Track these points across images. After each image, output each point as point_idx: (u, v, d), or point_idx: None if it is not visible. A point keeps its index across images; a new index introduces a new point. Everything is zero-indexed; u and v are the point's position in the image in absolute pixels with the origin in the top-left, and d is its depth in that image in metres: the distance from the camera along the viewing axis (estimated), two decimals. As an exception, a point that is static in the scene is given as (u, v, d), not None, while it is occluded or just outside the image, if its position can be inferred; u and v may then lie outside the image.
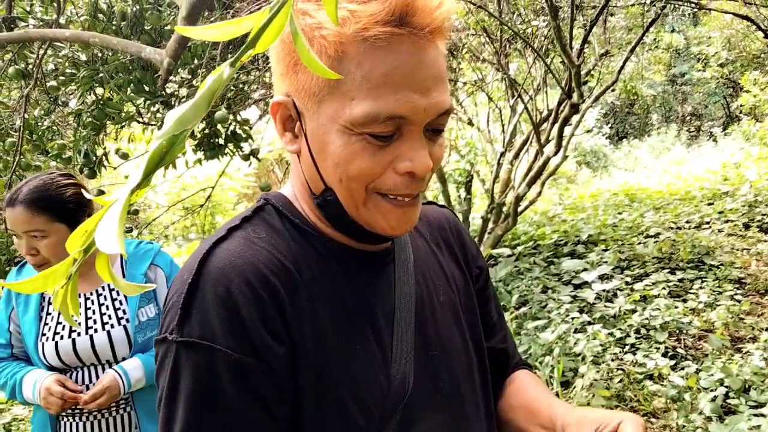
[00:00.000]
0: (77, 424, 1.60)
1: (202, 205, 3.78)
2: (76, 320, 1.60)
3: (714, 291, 4.21)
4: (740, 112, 12.38)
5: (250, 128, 3.31)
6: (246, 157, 3.13)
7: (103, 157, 2.87)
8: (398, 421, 0.70)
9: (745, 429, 2.55)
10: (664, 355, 3.51)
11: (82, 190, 1.62)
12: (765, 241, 5.15)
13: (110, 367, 1.60)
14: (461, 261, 0.90)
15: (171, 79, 1.99)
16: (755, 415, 2.69)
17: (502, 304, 4.70)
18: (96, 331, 1.60)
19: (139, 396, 1.63)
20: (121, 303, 1.64)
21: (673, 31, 13.61)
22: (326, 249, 0.72)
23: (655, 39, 10.53)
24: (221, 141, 2.88)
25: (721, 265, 4.61)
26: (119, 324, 1.62)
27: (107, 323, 1.61)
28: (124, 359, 1.61)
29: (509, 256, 5.63)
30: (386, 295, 0.75)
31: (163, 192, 7.63)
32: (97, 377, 1.60)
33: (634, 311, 4.01)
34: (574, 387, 3.28)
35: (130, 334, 1.61)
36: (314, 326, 0.67)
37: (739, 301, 3.99)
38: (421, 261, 0.82)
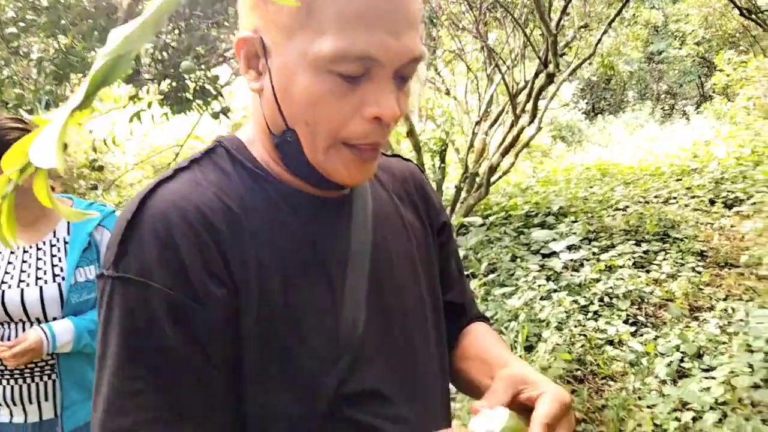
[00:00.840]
0: (11, 387, 1.52)
1: (170, 164, 3.71)
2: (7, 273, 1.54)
3: (676, 263, 4.32)
4: (713, 92, 12.55)
5: (222, 86, 3.24)
6: (215, 116, 3.06)
7: (66, 109, 2.78)
8: (347, 366, 0.69)
9: (695, 390, 2.66)
10: (625, 322, 3.61)
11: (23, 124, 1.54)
12: (728, 216, 5.28)
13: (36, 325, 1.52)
14: (423, 214, 0.89)
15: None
16: (706, 377, 2.80)
17: (471, 271, 4.77)
18: (28, 285, 1.52)
19: (65, 363, 1.55)
20: (59, 260, 1.56)
21: (653, 7, 13.65)
22: (278, 194, 0.71)
23: (634, 15, 10.55)
24: (189, 96, 2.81)
25: (685, 238, 4.74)
26: (53, 281, 1.53)
27: (41, 279, 1.53)
28: (54, 319, 1.53)
29: (481, 225, 5.69)
30: (340, 242, 0.74)
31: (132, 153, 7.48)
32: (17, 335, 1.51)
33: (598, 280, 4.10)
34: (537, 351, 3.36)
35: (63, 292, 1.53)
36: (259, 271, 0.66)
37: (699, 273, 4.11)
38: (381, 211, 0.81)
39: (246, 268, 0.65)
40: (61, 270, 1.55)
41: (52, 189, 1.75)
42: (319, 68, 0.61)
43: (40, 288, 1.52)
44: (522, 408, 0.65)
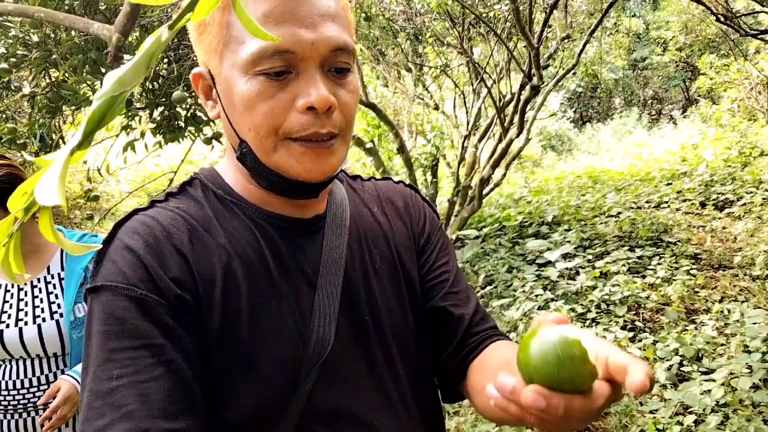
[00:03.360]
0: (12, 422, 1.52)
1: (164, 190, 3.72)
2: (6, 313, 1.55)
3: (671, 266, 4.36)
4: (698, 95, 12.72)
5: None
6: (208, 141, 3.09)
7: (60, 141, 2.80)
8: (316, 378, 0.70)
9: (696, 393, 2.67)
10: (623, 328, 3.63)
11: (18, 171, 1.56)
12: (720, 218, 5.34)
13: (41, 362, 1.54)
14: (410, 231, 0.89)
15: (124, 57, 1.95)
16: (706, 380, 2.81)
17: (468, 284, 4.78)
18: (26, 323, 1.53)
19: None
20: (56, 297, 1.58)
21: (634, 16, 13.87)
22: (247, 215, 0.75)
23: (615, 23, 10.72)
24: (181, 123, 2.84)
25: (678, 242, 4.78)
26: (51, 318, 1.55)
27: (39, 316, 1.54)
28: (55, 355, 1.55)
29: (476, 237, 5.71)
30: (311, 258, 0.76)
31: (126, 180, 7.49)
32: (25, 372, 1.53)
33: (594, 287, 4.12)
34: (538, 361, 3.36)
35: (63, 329, 1.54)
36: (224, 284, 0.68)
37: (694, 276, 4.15)
38: (362, 229, 0.82)
39: (210, 279, 0.68)
40: (59, 307, 1.57)
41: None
42: (247, 73, 0.66)
43: (39, 326, 1.53)
44: None
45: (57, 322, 1.54)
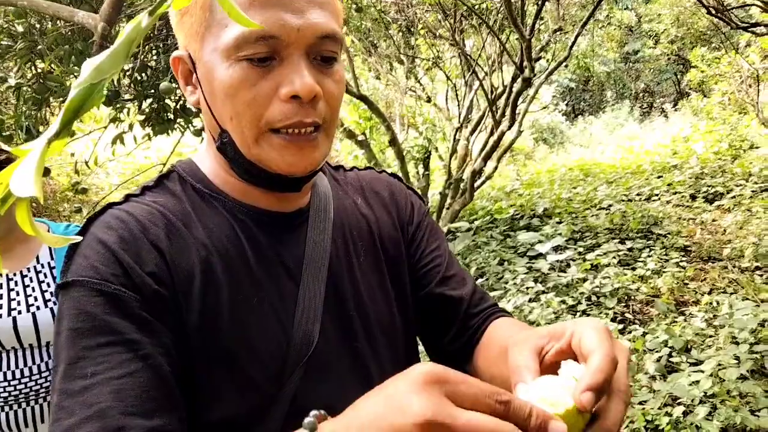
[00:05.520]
0: (11, 413, 1.52)
1: (141, 185, 3.69)
2: None
3: (661, 259, 4.38)
4: (690, 88, 12.77)
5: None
6: (198, 133, 3.07)
7: (47, 134, 2.76)
8: (301, 377, 0.68)
9: (685, 384, 2.69)
10: (613, 320, 3.65)
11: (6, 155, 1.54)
12: (709, 210, 5.37)
13: (32, 351, 1.52)
14: (396, 222, 0.88)
15: (109, 46, 1.92)
16: (695, 371, 2.84)
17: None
18: (20, 312, 1.52)
19: None
20: (48, 285, 1.57)
21: (626, 8, 13.88)
22: (227, 209, 0.72)
23: (608, 16, 10.72)
24: (170, 116, 2.81)
25: (668, 234, 4.80)
26: (45, 306, 1.54)
27: (32, 305, 1.54)
28: (48, 343, 1.54)
29: (467, 230, 5.73)
30: (294, 253, 0.74)
31: (116, 173, 7.44)
32: (17, 363, 1.52)
33: (585, 280, 4.14)
34: (528, 353, 3.38)
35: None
36: (204, 279, 0.66)
37: (683, 268, 4.17)
38: (346, 222, 0.81)
39: (188, 273, 0.66)
40: (52, 295, 1.56)
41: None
42: (229, 58, 0.63)
43: (33, 314, 1.53)
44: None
45: (51, 309, 1.54)
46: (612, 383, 0.52)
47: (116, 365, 0.58)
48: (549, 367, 0.57)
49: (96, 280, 0.61)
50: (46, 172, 3.15)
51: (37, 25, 2.49)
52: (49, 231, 1.62)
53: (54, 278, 1.59)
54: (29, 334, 1.52)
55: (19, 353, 1.53)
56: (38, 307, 1.54)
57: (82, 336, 0.60)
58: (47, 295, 1.56)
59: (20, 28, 2.55)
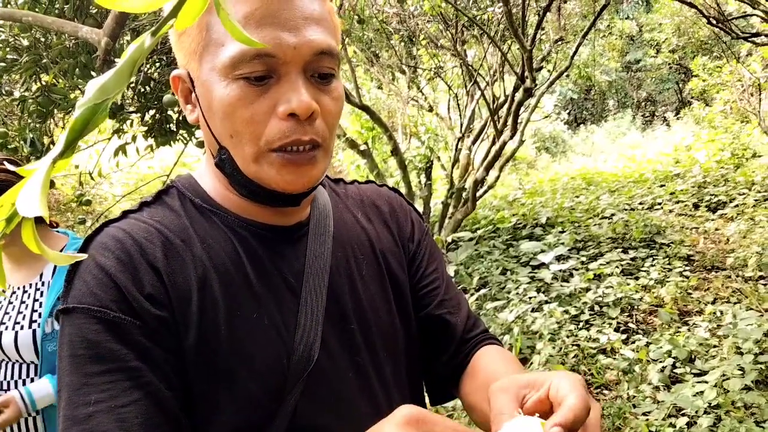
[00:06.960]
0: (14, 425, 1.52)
1: (139, 200, 3.70)
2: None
3: (664, 268, 4.37)
4: (691, 97, 12.78)
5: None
6: (200, 144, 3.08)
7: (51, 145, 2.79)
8: (301, 391, 0.68)
9: (689, 395, 2.68)
10: (617, 330, 3.63)
11: (8, 171, 1.55)
12: (712, 219, 5.36)
13: (20, 366, 1.53)
14: (397, 237, 0.88)
15: (115, 60, 1.94)
16: (698, 382, 2.82)
17: (462, 286, 4.78)
18: (6, 328, 1.53)
19: (49, 412, 1.55)
20: (40, 305, 1.55)
21: (627, 18, 13.94)
22: (226, 224, 0.72)
23: (609, 26, 10.76)
24: (173, 127, 2.83)
25: (671, 243, 4.79)
26: (29, 327, 1.53)
27: (18, 323, 1.53)
28: (33, 363, 1.53)
29: (470, 239, 5.72)
30: (296, 268, 0.73)
31: (119, 183, 7.46)
32: (4, 375, 1.53)
33: (588, 289, 4.13)
34: (531, 363, 3.37)
35: (37, 339, 1.52)
36: (201, 296, 0.66)
37: (687, 277, 4.16)
38: (346, 235, 0.81)
39: (185, 293, 0.66)
40: (39, 316, 1.54)
41: (55, 225, 1.77)
42: (226, 77, 0.63)
43: (16, 333, 1.52)
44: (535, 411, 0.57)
45: (33, 332, 1.52)
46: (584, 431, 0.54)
47: (119, 393, 0.60)
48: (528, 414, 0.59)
49: (96, 308, 0.62)
50: (51, 184, 3.16)
51: (42, 39, 2.52)
52: (67, 243, 1.63)
53: (47, 300, 1.57)
54: (11, 351, 1.52)
55: (8, 366, 1.54)
56: (22, 327, 1.53)
57: (85, 363, 0.61)
58: (35, 316, 1.54)
59: (25, 42, 2.58)
